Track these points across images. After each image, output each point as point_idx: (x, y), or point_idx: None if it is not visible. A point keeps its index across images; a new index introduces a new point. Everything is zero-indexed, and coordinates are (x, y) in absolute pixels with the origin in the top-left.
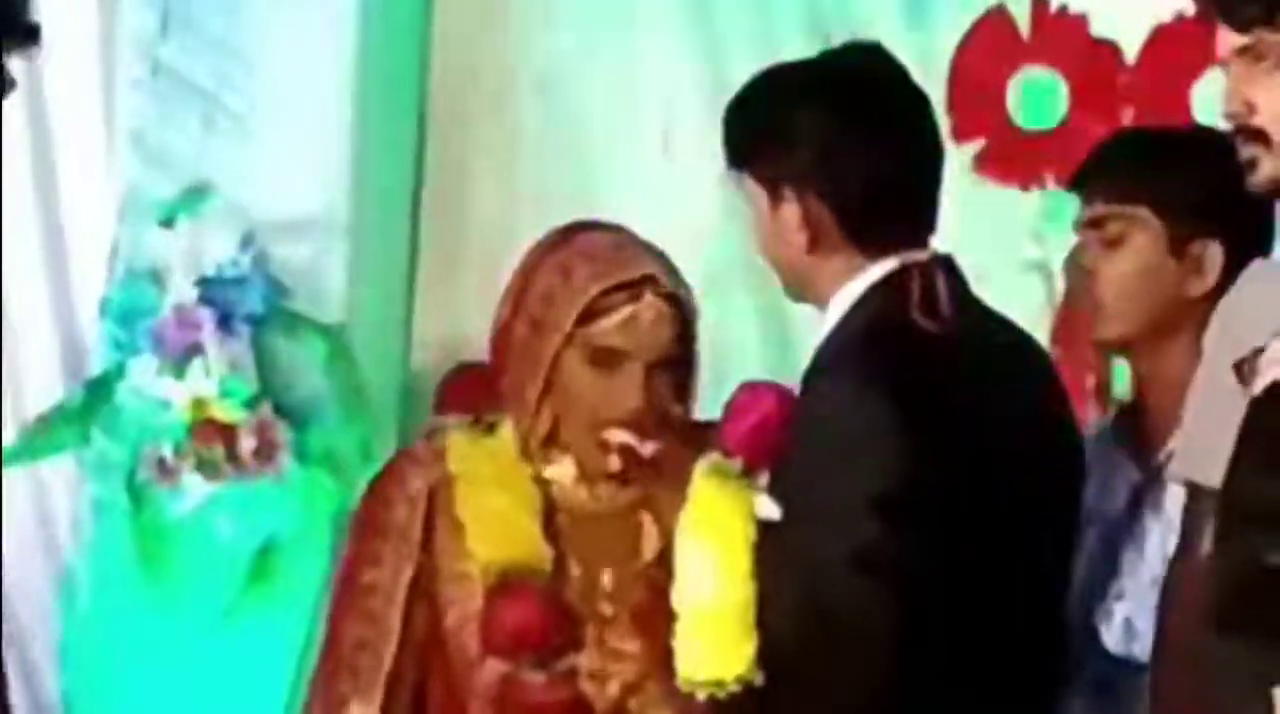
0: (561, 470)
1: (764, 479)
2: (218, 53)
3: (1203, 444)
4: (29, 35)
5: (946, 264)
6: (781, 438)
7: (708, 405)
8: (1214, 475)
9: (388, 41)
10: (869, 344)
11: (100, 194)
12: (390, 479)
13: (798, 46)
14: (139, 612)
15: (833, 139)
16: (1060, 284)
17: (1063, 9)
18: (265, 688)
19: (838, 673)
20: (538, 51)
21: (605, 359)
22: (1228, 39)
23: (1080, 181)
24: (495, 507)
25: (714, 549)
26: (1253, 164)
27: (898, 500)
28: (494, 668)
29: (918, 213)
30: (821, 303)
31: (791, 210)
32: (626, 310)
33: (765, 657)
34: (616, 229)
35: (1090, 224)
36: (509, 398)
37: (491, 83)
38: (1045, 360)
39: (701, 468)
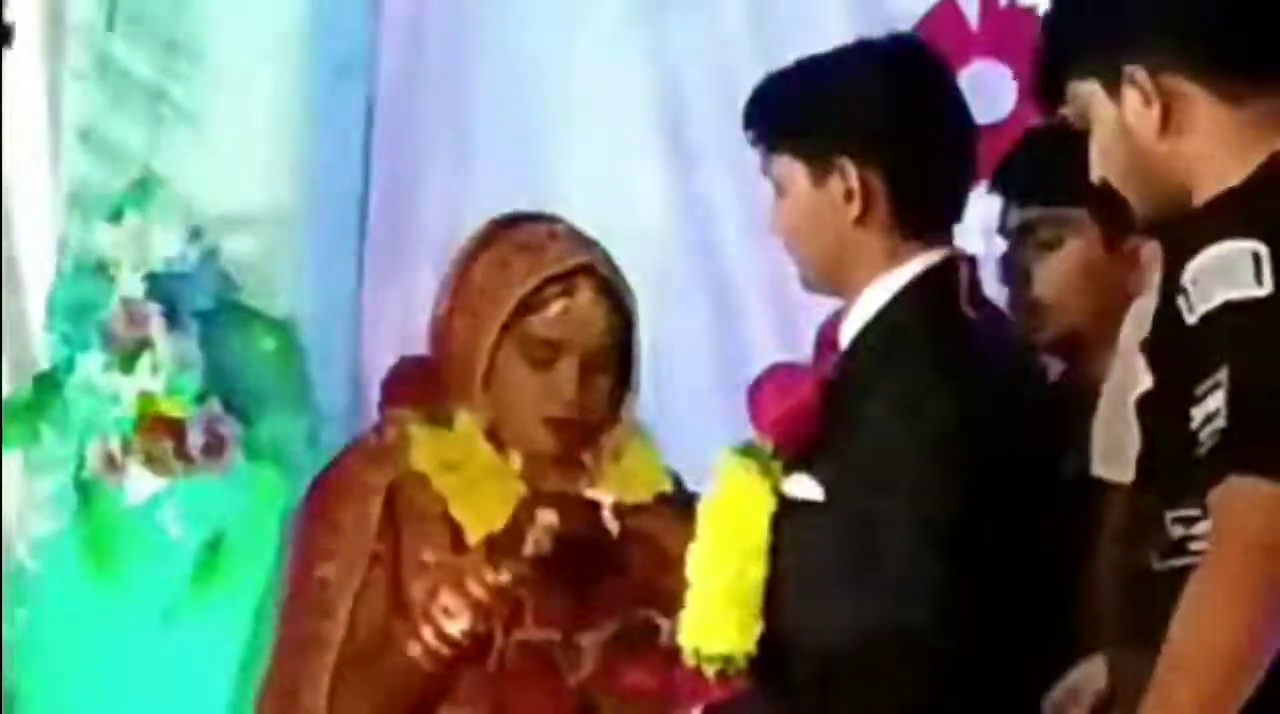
0: (510, 462)
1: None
2: (165, 46)
3: (1113, 441)
4: (2, 36)
5: (971, 257)
6: (814, 424)
7: (653, 404)
8: (1126, 473)
9: (336, 34)
10: (935, 332)
11: (47, 188)
12: (342, 474)
13: (745, 45)
14: (87, 607)
15: (897, 104)
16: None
17: (1011, 2)
18: (213, 682)
19: (907, 650)
20: (489, 45)
21: (541, 353)
22: None
23: (1005, 184)
24: (487, 497)
25: (734, 526)
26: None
27: (973, 486)
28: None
29: (959, 200)
30: (850, 289)
31: (841, 183)
32: (562, 302)
33: (801, 632)
34: (553, 220)
35: (1023, 229)
36: (454, 391)
37: (442, 76)
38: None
39: (730, 446)
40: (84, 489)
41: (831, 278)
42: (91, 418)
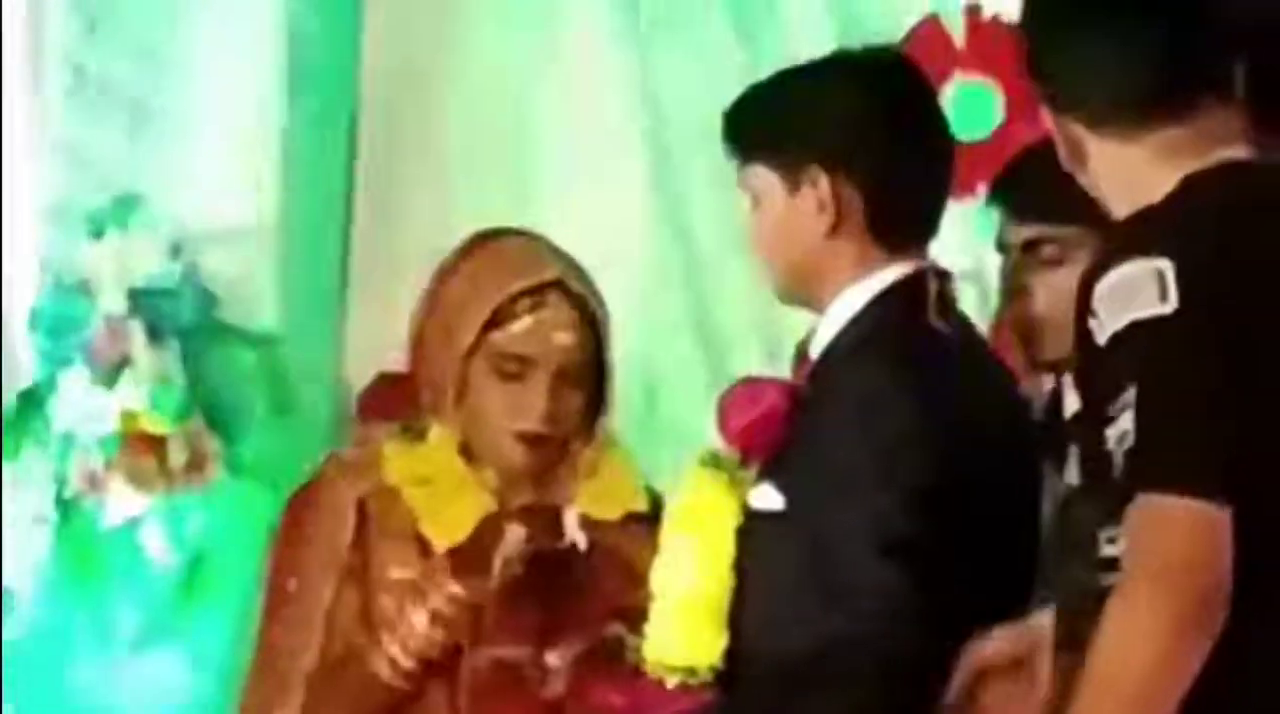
0: (484, 478)
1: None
2: (145, 60)
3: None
4: None
5: (944, 272)
6: (782, 432)
7: (639, 418)
8: None
9: (318, 48)
10: (898, 338)
11: (28, 204)
12: (316, 488)
13: (730, 57)
14: (70, 624)
15: (873, 115)
16: (994, 296)
17: (995, 18)
18: (196, 699)
19: (861, 659)
20: (472, 59)
21: (512, 368)
22: None
23: (1004, 199)
24: (455, 509)
25: (698, 538)
26: None
27: (929, 491)
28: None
29: (933, 214)
30: (821, 301)
31: (814, 193)
32: (531, 317)
33: (763, 643)
34: (529, 236)
35: (1025, 246)
36: (429, 406)
37: (424, 91)
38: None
39: (698, 456)
40: (66, 506)
41: (803, 289)
42: (74, 435)
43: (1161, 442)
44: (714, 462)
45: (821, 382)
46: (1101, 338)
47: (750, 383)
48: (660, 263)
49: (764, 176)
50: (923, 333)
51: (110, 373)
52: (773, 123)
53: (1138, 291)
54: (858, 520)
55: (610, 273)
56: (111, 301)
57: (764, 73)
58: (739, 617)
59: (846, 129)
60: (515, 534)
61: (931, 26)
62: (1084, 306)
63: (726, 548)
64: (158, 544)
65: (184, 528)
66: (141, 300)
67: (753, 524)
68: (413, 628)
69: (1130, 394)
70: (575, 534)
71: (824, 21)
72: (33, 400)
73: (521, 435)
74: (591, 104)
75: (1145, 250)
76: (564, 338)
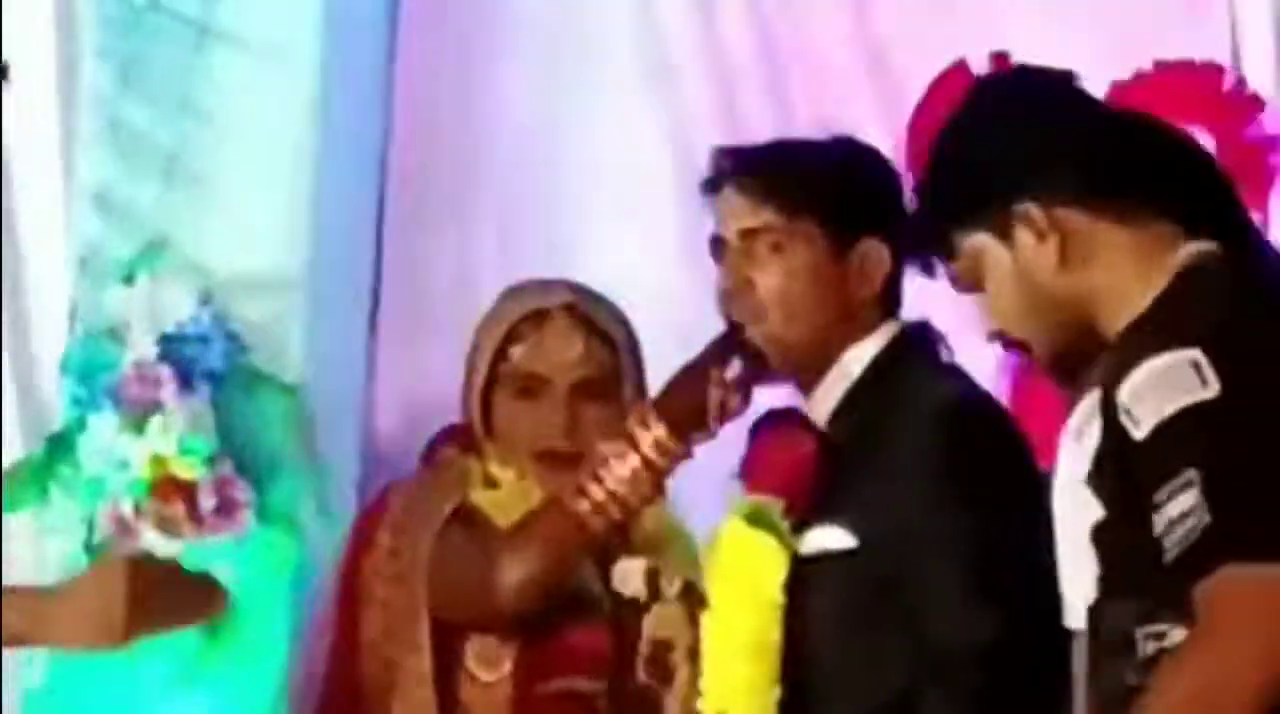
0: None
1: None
2: (177, 109)
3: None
4: None
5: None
6: (816, 479)
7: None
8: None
9: (349, 98)
10: (938, 381)
11: (59, 250)
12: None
13: (761, 108)
14: (98, 671)
15: (901, 190)
16: None
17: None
18: None
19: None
20: (502, 111)
21: (524, 385)
22: None
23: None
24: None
25: (749, 591)
26: None
27: (1015, 526)
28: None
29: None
30: (824, 360)
31: (857, 257)
32: (536, 335)
33: (839, 679)
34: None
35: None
36: (475, 448)
37: (454, 141)
38: None
39: (738, 509)
40: (94, 552)
41: (817, 348)
42: (103, 480)
43: (1240, 516)
44: (755, 514)
45: (865, 427)
46: (1139, 433)
47: (781, 428)
48: (695, 301)
49: (806, 228)
50: (952, 368)
51: (140, 419)
52: (820, 187)
53: (1176, 381)
54: (946, 558)
55: (644, 313)
56: (141, 347)
57: (795, 118)
58: (803, 658)
59: (893, 200)
60: (636, 565)
61: (959, 72)
62: (1109, 412)
63: (777, 599)
64: None
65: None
66: (171, 346)
67: (811, 569)
68: (620, 472)
69: (1190, 474)
70: (639, 586)
71: (854, 65)
72: (62, 445)
73: (540, 455)
74: (622, 149)
75: (1171, 343)
76: (571, 352)
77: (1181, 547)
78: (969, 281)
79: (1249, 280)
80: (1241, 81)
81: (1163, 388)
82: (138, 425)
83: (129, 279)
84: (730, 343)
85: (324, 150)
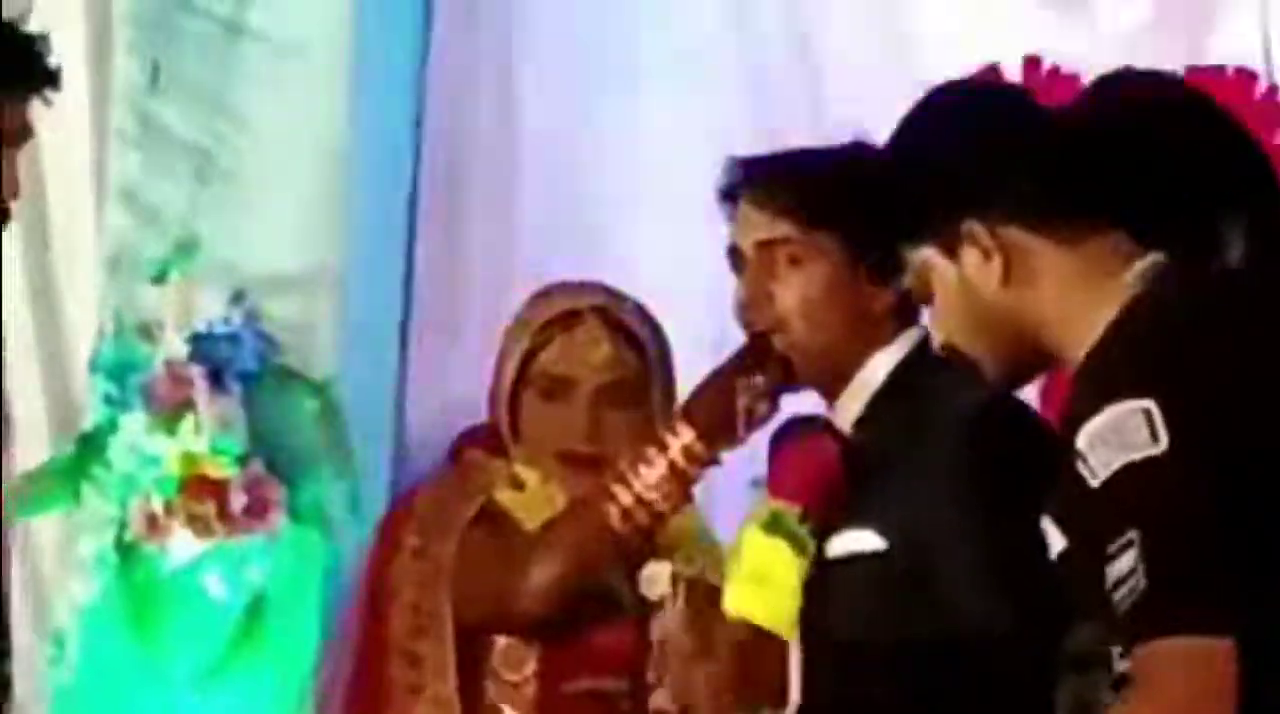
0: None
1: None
2: (209, 107)
3: None
4: (50, 80)
5: None
6: (840, 484)
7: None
8: None
9: (381, 96)
10: (963, 388)
11: (91, 249)
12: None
13: (799, 111)
14: (128, 670)
15: None
16: None
17: (1054, 69)
18: None
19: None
20: (535, 110)
21: (550, 387)
22: None
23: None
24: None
25: (767, 599)
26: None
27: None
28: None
29: None
30: (844, 370)
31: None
32: (564, 337)
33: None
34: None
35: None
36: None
37: (487, 141)
38: None
39: (757, 517)
40: (126, 551)
41: (839, 357)
42: (134, 479)
43: (1171, 589)
44: (772, 520)
45: (890, 432)
46: (1094, 483)
47: (804, 435)
48: (728, 304)
49: (825, 240)
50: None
51: (171, 417)
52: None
53: (1126, 434)
54: (974, 558)
55: (677, 316)
56: (173, 347)
57: (830, 119)
58: (825, 663)
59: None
60: (662, 569)
61: (991, 76)
62: (1068, 450)
63: (791, 604)
64: (217, 589)
65: (244, 573)
66: (203, 345)
67: (840, 570)
68: (649, 477)
69: (1131, 535)
70: (666, 588)
71: (886, 65)
72: (93, 444)
73: (563, 455)
74: (656, 149)
75: (1125, 391)
76: (599, 355)
77: (1122, 607)
78: (920, 295)
79: (1201, 305)
80: (1273, 89)
81: (1113, 441)
82: (169, 425)
83: (160, 278)
84: (757, 350)
85: (356, 149)
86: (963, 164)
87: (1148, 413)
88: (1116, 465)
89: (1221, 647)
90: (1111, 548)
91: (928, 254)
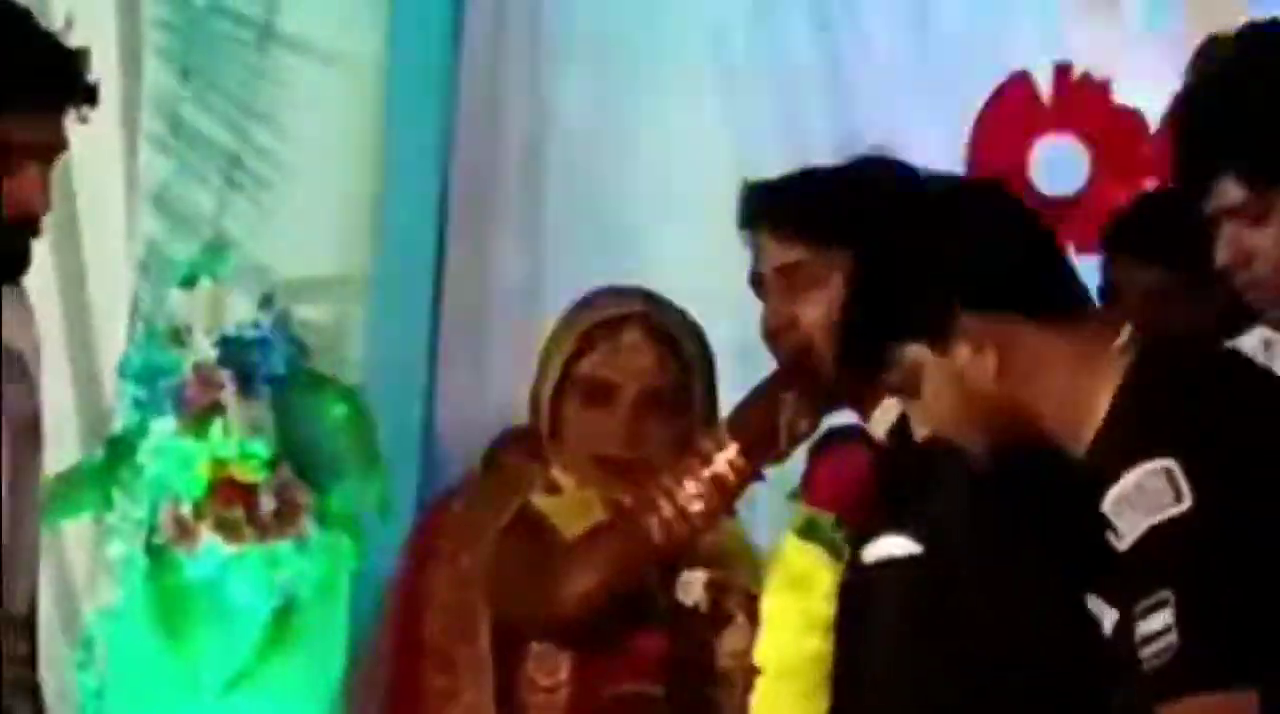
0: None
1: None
2: (239, 112)
3: None
4: (89, 95)
5: None
6: (874, 493)
7: None
8: None
9: (412, 100)
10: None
11: (121, 252)
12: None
13: (823, 124)
14: (157, 674)
15: None
16: None
17: (1085, 76)
18: None
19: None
20: (565, 114)
21: (592, 392)
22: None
23: (1129, 244)
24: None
25: (802, 605)
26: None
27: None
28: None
29: None
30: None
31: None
32: (607, 343)
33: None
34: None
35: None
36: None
37: (518, 144)
38: None
39: (792, 524)
40: (155, 554)
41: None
42: (163, 483)
43: (1204, 646)
44: (808, 528)
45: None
46: (1121, 545)
47: (841, 446)
48: (758, 308)
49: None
50: None
51: (200, 421)
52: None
53: (1151, 495)
54: (1001, 573)
55: (707, 319)
56: (202, 350)
57: (856, 129)
58: (860, 666)
59: None
60: (698, 576)
61: (1021, 83)
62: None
63: (825, 610)
64: (246, 593)
65: (272, 577)
66: (232, 349)
67: (875, 574)
68: (691, 489)
69: (1164, 595)
70: (701, 595)
71: (915, 70)
72: (123, 448)
73: (600, 460)
74: (686, 152)
75: (1146, 452)
76: (640, 361)
77: (1152, 665)
78: (907, 390)
79: (1200, 367)
80: None
81: (1139, 502)
82: (198, 428)
83: (190, 281)
84: (798, 366)
85: (386, 153)
86: (951, 259)
87: (1169, 472)
88: (1144, 527)
89: (1249, 699)
90: (1141, 607)
91: (917, 351)
